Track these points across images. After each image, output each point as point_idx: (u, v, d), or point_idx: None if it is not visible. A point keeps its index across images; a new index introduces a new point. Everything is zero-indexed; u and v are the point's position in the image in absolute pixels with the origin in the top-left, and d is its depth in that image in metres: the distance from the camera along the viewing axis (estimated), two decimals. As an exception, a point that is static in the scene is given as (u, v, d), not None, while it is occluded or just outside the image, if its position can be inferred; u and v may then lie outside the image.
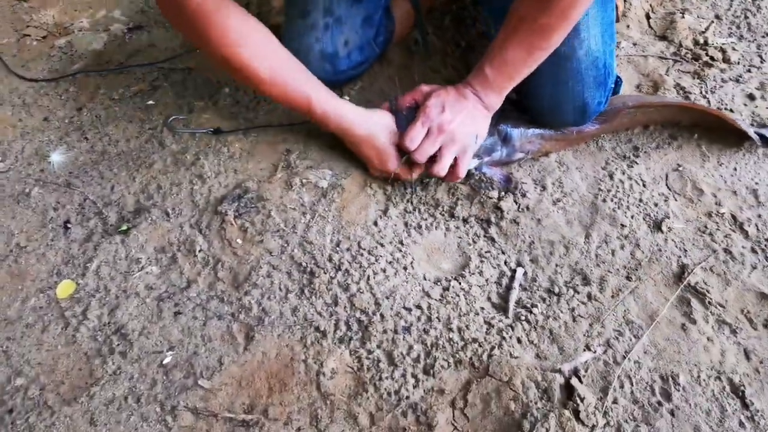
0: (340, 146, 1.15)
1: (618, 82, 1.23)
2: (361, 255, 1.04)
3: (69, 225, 1.06)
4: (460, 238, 1.10)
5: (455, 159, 1.09)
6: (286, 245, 1.05)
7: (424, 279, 1.03)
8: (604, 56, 1.12)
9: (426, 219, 1.12)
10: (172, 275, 1.00)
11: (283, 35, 1.26)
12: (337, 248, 1.05)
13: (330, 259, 1.03)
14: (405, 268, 1.04)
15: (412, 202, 1.13)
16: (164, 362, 0.91)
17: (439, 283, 1.03)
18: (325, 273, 1.01)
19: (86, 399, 0.87)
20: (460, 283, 1.03)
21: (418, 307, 0.99)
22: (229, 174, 1.14)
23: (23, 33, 1.38)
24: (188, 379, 0.90)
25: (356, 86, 1.32)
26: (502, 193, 1.14)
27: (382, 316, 0.97)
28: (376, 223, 1.09)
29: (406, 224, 1.10)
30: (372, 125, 1.11)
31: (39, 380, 0.89)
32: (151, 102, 1.25)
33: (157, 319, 0.96)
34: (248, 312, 0.96)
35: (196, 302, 0.98)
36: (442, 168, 1.08)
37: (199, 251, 1.03)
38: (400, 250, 1.06)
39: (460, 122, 1.08)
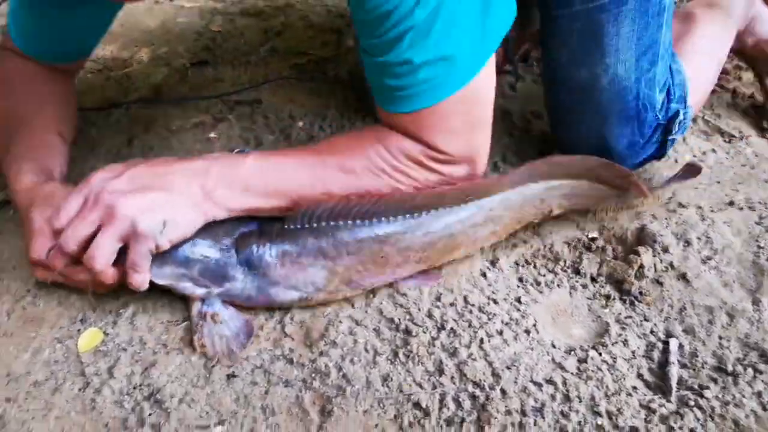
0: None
1: (679, 114, 1.00)
2: (470, 312, 0.80)
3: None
4: (590, 299, 0.86)
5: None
6: (371, 295, 0.82)
7: (553, 347, 0.78)
8: (636, 86, 0.92)
9: (544, 275, 0.88)
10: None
11: None
12: (438, 302, 0.82)
13: (430, 315, 0.80)
14: (527, 332, 0.79)
15: (525, 255, 0.91)
16: (210, 441, 0.67)
17: (572, 353, 0.77)
18: (425, 332, 0.77)
19: (101, 488, 0.63)
20: (600, 354, 0.77)
21: (550, 381, 0.73)
22: (301, 212, 0.94)
23: (78, 66, 1.25)
24: (242, 467, 0.65)
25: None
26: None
27: (503, 391, 0.71)
28: (484, 275, 0.86)
29: (520, 279, 0.87)
30: (37, 192, 0.80)
31: (41, 458, 0.65)
32: (212, 134, 1.08)
33: (205, 382, 0.72)
34: (325, 378, 0.72)
35: (256, 363, 0.74)
36: (91, 258, 0.70)
37: (262, 300, 0.80)
38: (518, 309, 0.82)
39: (134, 195, 0.70)
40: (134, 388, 0.71)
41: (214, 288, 0.76)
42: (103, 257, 0.70)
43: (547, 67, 1.03)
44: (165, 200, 0.71)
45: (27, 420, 0.68)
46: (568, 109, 0.98)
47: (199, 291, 0.76)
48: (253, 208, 0.77)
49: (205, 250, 0.75)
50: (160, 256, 0.73)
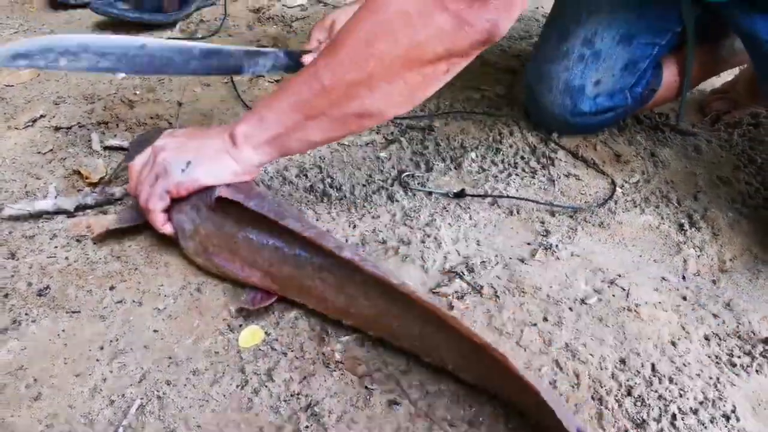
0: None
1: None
2: (659, 382, 0.71)
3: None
4: (797, 393, 0.74)
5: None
6: (547, 346, 0.74)
7: (757, 442, 0.67)
8: None
9: (740, 357, 0.77)
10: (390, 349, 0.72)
11: (534, 55, 1.13)
12: (623, 366, 0.72)
13: (614, 377, 0.71)
14: (726, 417, 0.68)
15: (717, 333, 0.80)
16: (367, 469, 0.61)
17: (781, 454, 0.66)
18: (608, 394, 0.69)
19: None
20: (813, 462, 0.65)
21: (756, 482, 0.62)
22: (470, 244, 0.88)
23: (258, 74, 1.29)
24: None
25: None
26: None
27: (701, 481, 0.61)
28: (674, 344, 0.76)
29: (716, 357, 0.76)
30: None
31: (194, 450, 0.62)
32: (383, 154, 1.06)
33: (364, 404, 0.67)
34: (494, 424, 0.65)
35: (420, 393, 0.68)
36: (140, 196, 0.80)
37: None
38: (716, 388, 0.71)
39: (176, 141, 0.81)
40: (291, 395, 0.67)
41: None
42: (143, 193, 0.80)
43: None
44: (196, 147, 0.79)
45: (185, 407, 0.66)
46: None
47: None
48: (274, 137, 0.76)
49: None
50: None
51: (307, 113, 0.74)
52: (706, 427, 0.66)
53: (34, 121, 1.11)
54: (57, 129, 1.09)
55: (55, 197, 0.94)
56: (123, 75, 1.09)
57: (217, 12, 1.56)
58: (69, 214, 0.90)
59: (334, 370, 0.70)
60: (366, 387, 0.68)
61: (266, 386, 0.68)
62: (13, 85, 1.22)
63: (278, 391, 0.68)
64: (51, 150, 1.04)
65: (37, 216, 0.89)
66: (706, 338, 0.79)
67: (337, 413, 0.66)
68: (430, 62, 0.70)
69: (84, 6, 1.54)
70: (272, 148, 0.78)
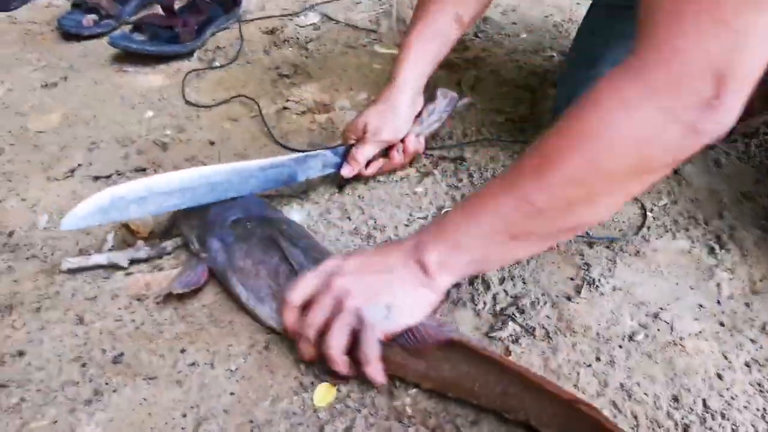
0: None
1: None
2: (712, 418, 0.76)
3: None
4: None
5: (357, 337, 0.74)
6: (603, 387, 0.79)
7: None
8: None
9: (783, 383, 0.82)
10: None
11: (564, 79, 1.16)
12: (676, 404, 0.77)
13: (669, 416, 0.76)
14: (775, 449, 0.73)
15: (756, 359, 0.85)
16: None
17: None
18: (667, 435, 0.74)
19: None
20: None
21: None
22: (517, 282, 0.92)
23: (283, 106, 1.30)
24: None
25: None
26: None
27: None
28: (720, 376, 0.81)
29: (759, 385, 0.81)
30: None
31: None
32: (419, 189, 1.09)
33: (441, 458, 0.71)
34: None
35: (490, 443, 0.72)
36: (327, 347, 0.74)
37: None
38: (764, 419, 0.76)
39: (358, 284, 0.74)
40: (373, 454, 0.72)
41: None
42: (336, 348, 0.74)
43: None
44: (386, 283, 0.74)
45: (274, 472, 0.70)
46: None
47: None
48: (473, 261, 0.75)
49: None
50: None
51: (513, 235, 0.72)
52: (759, 461, 0.72)
53: (73, 171, 1.13)
54: (96, 179, 1.11)
55: (109, 250, 0.96)
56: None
57: (232, 36, 1.57)
58: (123, 269, 0.93)
59: (409, 426, 0.74)
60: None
61: (347, 446, 0.72)
62: (44, 131, 1.23)
63: (359, 451, 0.72)
64: (95, 202, 1.06)
65: (92, 269, 0.92)
66: (747, 365, 0.84)
67: (419, 469, 0.70)
68: (655, 171, 0.69)
69: (97, 36, 1.54)
70: (469, 271, 0.77)
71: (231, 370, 0.80)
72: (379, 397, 0.77)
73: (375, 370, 0.74)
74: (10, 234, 1.01)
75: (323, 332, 0.75)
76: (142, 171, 1.13)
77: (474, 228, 0.72)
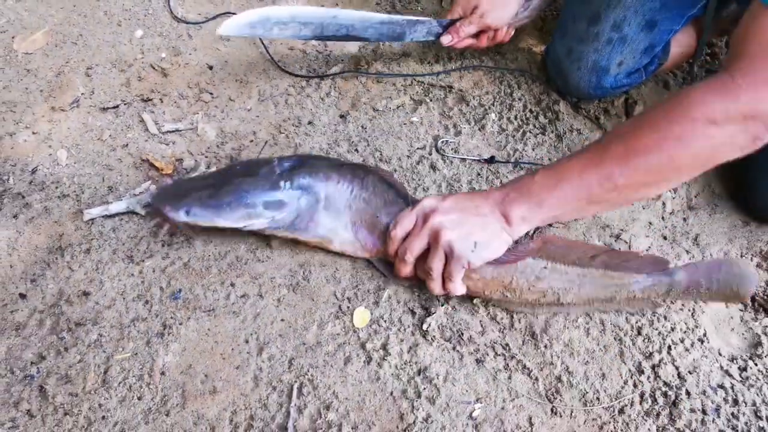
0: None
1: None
2: (660, 321, 0.99)
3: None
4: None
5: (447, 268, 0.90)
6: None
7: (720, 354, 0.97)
8: None
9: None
10: (463, 316, 0.95)
11: (563, 31, 1.23)
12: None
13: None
14: (700, 341, 0.98)
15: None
16: (473, 415, 0.87)
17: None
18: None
19: (400, 445, 0.83)
20: (756, 365, 0.96)
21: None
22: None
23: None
24: (502, 438, 0.85)
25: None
26: None
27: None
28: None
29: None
30: None
31: (349, 417, 0.85)
32: (415, 118, 1.20)
33: (459, 365, 0.91)
34: (552, 369, 0.91)
35: (496, 350, 0.92)
36: (427, 272, 0.91)
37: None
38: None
39: (453, 222, 0.88)
40: (405, 364, 0.90)
41: None
42: (434, 272, 0.90)
43: None
44: (476, 226, 0.88)
45: (331, 385, 0.87)
46: None
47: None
48: (550, 217, 0.91)
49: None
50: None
51: (591, 201, 0.87)
52: (689, 352, 0.96)
53: (77, 101, 1.15)
54: (105, 110, 1.15)
55: (128, 197, 1.03)
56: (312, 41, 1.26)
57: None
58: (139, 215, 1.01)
59: (431, 340, 0.93)
60: (456, 350, 0.92)
61: (386, 360, 0.90)
62: (32, 53, 1.22)
63: (395, 362, 0.90)
64: (110, 136, 1.11)
65: (112, 216, 1.01)
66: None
67: (443, 374, 0.90)
68: (715, 164, 0.85)
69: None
70: (544, 224, 0.94)
71: (278, 300, 0.95)
72: (405, 316, 0.95)
73: (457, 286, 0.91)
74: (33, 171, 1.05)
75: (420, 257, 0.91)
76: (149, 102, 1.17)
77: (558, 192, 0.87)
